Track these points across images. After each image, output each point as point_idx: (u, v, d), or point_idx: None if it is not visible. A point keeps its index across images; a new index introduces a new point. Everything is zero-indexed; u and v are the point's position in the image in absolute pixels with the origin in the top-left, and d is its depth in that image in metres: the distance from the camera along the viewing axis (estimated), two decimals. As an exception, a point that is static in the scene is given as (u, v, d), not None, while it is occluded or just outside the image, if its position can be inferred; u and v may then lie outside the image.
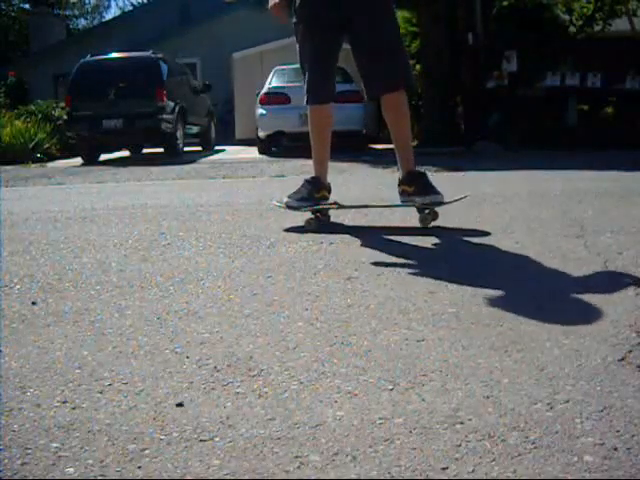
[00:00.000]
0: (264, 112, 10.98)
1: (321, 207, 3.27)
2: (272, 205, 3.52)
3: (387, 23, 3.11)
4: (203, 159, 10.48)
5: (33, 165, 10.09)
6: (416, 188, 3.11)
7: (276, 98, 10.90)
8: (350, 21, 3.08)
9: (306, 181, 3.29)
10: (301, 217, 3.25)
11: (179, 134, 11.07)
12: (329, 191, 3.33)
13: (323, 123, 3.30)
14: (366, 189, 5.28)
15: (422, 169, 3.26)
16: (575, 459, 1.10)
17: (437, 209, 3.16)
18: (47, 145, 11.54)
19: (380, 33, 3.07)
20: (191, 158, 10.48)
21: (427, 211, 3.17)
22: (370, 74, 3.16)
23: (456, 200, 3.26)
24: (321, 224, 3.21)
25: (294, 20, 3.20)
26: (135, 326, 1.85)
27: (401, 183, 3.18)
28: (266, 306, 1.99)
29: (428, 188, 3.10)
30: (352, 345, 1.65)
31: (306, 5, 3.11)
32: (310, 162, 3.46)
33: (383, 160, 8.05)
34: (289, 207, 3.29)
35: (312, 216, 3.23)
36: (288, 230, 3.18)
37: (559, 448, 1.14)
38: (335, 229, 3.19)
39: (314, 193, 3.25)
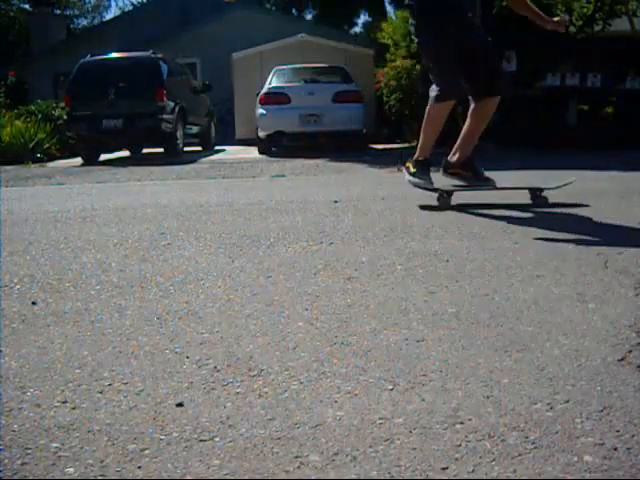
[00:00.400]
0: (264, 112, 10.97)
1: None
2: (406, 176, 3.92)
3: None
4: (203, 159, 10.48)
5: (33, 165, 10.09)
6: (473, 173, 3.91)
7: (276, 98, 10.89)
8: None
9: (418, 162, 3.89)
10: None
11: (179, 134, 11.06)
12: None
13: (445, 115, 3.86)
14: (366, 189, 5.27)
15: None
16: (575, 459, 1.10)
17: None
18: (47, 145, 11.53)
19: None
20: (191, 158, 10.48)
21: (538, 193, 3.78)
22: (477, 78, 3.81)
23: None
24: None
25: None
26: (135, 326, 1.85)
27: (456, 166, 3.90)
28: (266, 306, 1.99)
29: (482, 176, 3.93)
30: (352, 345, 1.65)
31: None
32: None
33: (383, 160, 8.06)
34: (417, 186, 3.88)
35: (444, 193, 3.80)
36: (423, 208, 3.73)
37: (559, 448, 1.14)
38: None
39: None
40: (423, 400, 1.34)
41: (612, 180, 5.30)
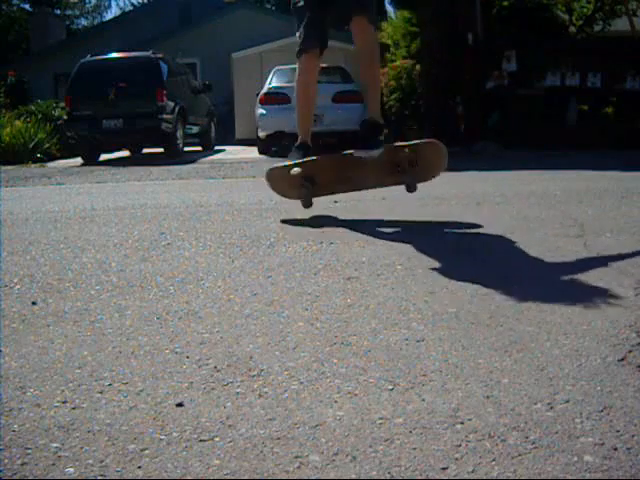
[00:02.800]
0: (264, 112, 10.98)
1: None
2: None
3: None
4: (203, 159, 10.48)
5: (33, 165, 10.09)
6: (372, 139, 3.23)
7: (276, 98, 10.90)
8: None
9: (295, 147, 3.44)
10: (298, 212, 3.27)
11: (179, 134, 11.06)
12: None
13: (312, 75, 3.44)
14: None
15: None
16: (575, 459, 1.10)
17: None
18: (47, 145, 11.53)
19: None
20: (191, 158, 10.48)
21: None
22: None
23: None
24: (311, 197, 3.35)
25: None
26: (135, 326, 1.85)
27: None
28: (266, 306, 1.99)
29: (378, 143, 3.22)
30: (352, 345, 1.65)
31: None
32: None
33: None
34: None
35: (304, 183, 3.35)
36: (285, 222, 3.30)
37: (559, 448, 1.14)
38: (329, 222, 3.30)
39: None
40: (423, 400, 1.34)
41: (612, 180, 5.30)
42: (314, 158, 3.41)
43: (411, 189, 3.27)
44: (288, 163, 3.39)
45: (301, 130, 3.50)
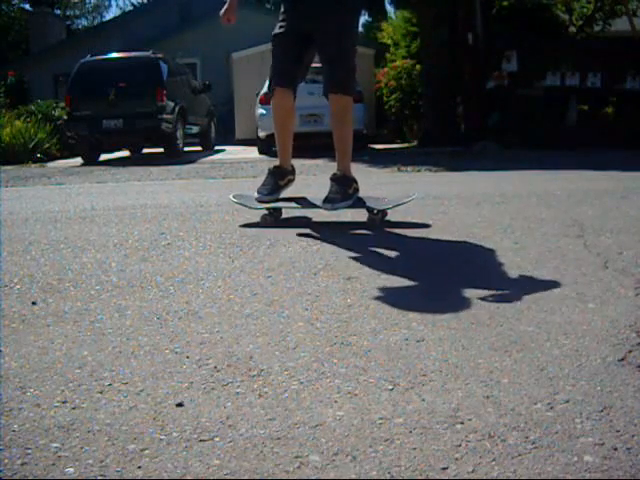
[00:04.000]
0: (264, 112, 10.97)
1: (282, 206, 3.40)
2: (230, 199, 3.54)
3: (342, 38, 3.30)
4: (203, 159, 10.48)
5: (33, 165, 10.09)
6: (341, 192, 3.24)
7: (276, 98, 10.89)
8: (314, 33, 3.29)
9: (270, 172, 3.41)
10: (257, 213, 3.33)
11: (179, 134, 11.06)
12: (293, 173, 3.51)
13: (284, 110, 3.40)
14: (366, 189, 5.27)
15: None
16: (575, 459, 1.10)
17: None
18: (47, 145, 11.52)
19: (333, 46, 3.29)
20: (191, 158, 10.48)
21: (375, 211, 3.28)
22: (324, 76, 3.39)
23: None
24: (276, 220, 3.36)
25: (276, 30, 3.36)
26: (135, 326, 1.85)
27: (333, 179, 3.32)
28: (266, 306, 1.99)
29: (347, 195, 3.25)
30: (352, 345, 1.65)
31: (285, 19, 3.33)
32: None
33: (383, 160, 8.06)
34: (260, 202, 3.34)
35: (267, 212, 3.34)
36: (244, 226, 3.28)
37: (559, 448, 1.14)
38: (299, 223, 3.32)
39: (279, 181, 3.39)
40: (423, 400, 1.34)
41: (612, 180, 5.30)
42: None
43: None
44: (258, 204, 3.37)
45: (281, 157, 3.49)
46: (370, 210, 3.28)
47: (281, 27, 3.31)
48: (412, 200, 3.43)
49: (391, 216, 3.38)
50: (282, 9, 3.38)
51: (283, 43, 3.32)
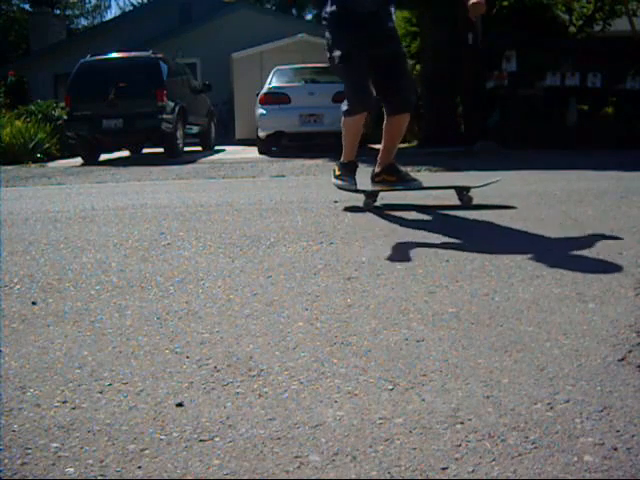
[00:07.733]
0: (264, 112, 10.97)
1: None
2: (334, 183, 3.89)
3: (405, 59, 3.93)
4: (203, 159, 10.48)
5: (33, 165, 10.08)
6: (397, 177, 3.87)
7: (276, 98, 10.89)
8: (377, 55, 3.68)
9: (342, 164, 3.85)
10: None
11: (179, 134, 11.05)
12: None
13: (361, 124, 3.84)
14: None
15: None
16: (575, 459, 1.10)
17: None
18: (47, 145, 11.51)
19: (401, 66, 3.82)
20: (191, 158, 10.47)
21: (465, 192, 3.82)
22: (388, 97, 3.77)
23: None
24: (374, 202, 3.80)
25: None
26: (135, 326, 1.85)
27: (380, 174, 3.90)
28: (266, 306, 1.99)
29: (407, 177, 3.90)
30: (352, 345, 1.65)
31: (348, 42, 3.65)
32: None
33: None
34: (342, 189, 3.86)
35: (369, 198, 3.80)
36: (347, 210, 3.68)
37: (559, 448, 1.14)
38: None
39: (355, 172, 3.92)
40: (423, 400, 1.34)
41: (612, 180, 5.30)
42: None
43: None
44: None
45: (349, 153, 3.88)
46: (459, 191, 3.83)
47: (348, 51, 3.57)
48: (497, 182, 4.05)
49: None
50: (337, 33, 3.65)
51: (358, 67, 3.61)
